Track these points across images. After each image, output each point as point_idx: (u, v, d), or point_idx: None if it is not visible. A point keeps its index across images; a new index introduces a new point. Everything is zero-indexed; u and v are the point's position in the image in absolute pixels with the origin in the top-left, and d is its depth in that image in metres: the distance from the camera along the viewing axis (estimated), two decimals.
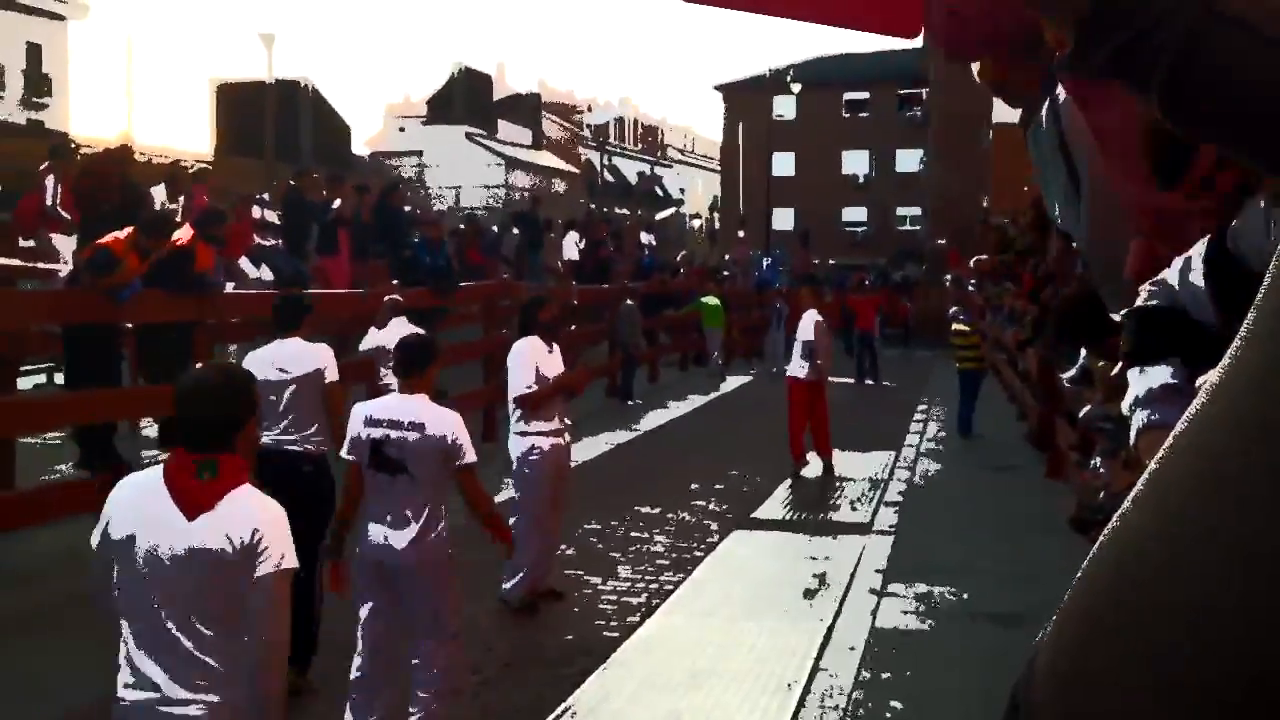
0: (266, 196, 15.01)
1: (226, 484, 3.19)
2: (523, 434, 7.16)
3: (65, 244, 11.30)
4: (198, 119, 56.55)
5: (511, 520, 7.09)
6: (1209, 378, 0.52)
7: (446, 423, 5.06)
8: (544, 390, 7.13)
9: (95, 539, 3.29)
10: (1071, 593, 0.52)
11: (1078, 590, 0.52)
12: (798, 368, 12.22)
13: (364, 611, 5.06)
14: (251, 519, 3.15)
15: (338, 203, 14.17)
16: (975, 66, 2.14)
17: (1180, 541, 0.46)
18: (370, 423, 5.04)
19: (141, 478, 3.33)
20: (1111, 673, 0.45)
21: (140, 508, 3.21)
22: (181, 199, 13.25)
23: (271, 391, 6.15)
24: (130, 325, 9.58)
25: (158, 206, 11.44)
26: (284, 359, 6.21)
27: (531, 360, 7.15)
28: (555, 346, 7.41)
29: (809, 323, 12.23)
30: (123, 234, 8.53)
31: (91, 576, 3.33)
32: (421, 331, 10.22)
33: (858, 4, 1.02)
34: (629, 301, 18.53)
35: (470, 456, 5.10)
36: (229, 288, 10.73)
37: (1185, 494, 0.47)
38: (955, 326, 15.59)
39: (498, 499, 7.16)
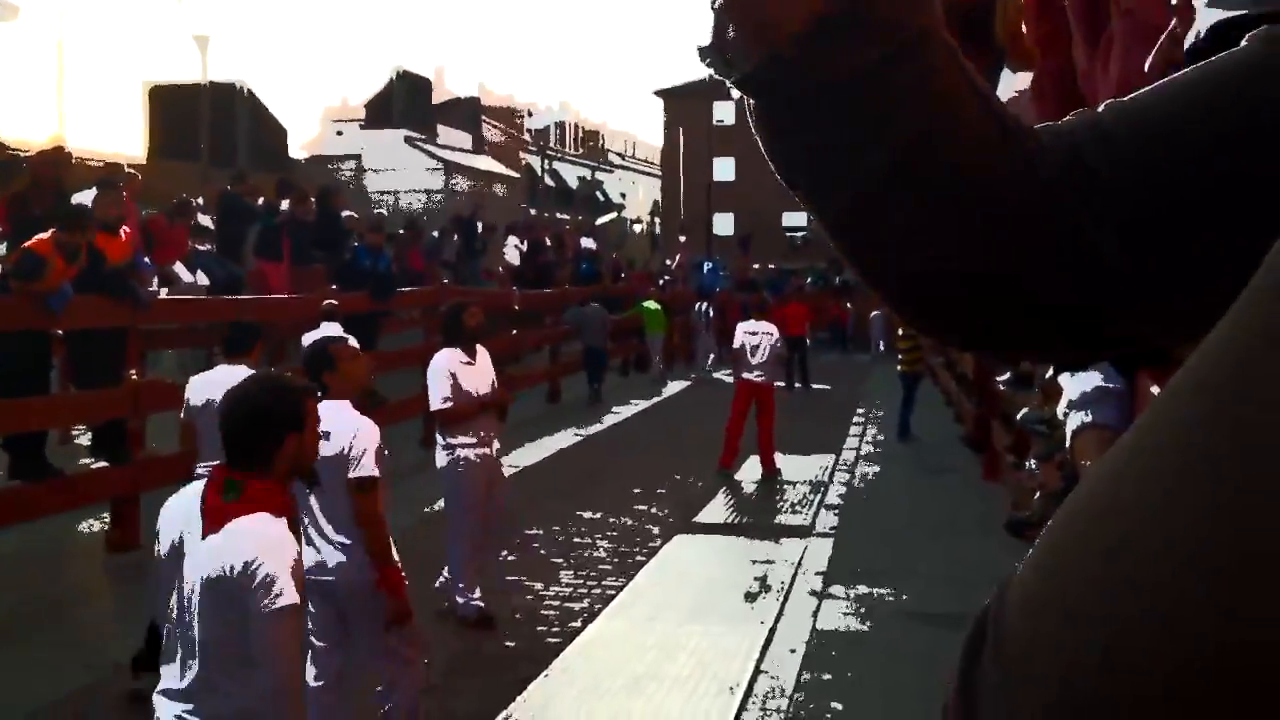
0: (201, 200, 14.80)
1: (244, 508, 3.11)
2: (446, 447, 7.05)
3: None
4: (130, 122, 55.46)
5: (450, 533, 7.03)
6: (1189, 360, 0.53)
7: (349, 431, 4.57)
8: (460, 408, 6.97)
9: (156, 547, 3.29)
10: (1047, 530, 0.52)
11: (1054, 525, 0.52)
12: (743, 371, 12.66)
13: (313, 640, 4.65)
14: (247, 549, 3.03)
15: (285, 204, 14.02)
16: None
17: (1152, 483, 0.47)
18: None
19: (191, 488, 3.29)
20: (1087, 604, 0.46)
21: (180, 519, 3.18)
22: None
23: (215, 418, 5.97)
24: (60, 331, 9.39)
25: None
26: (230, 386, 6.01)
27: (448, 373, 7.01)
28: (480, 355, 7.23)
29: (742, 333, 12.75)
30: (45, 235, 8.37)
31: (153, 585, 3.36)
32: (347, 336, 10.11)
33: None
34: (594, 304, 18.79)
35: (364, 470, 4.54)
36: (163, 293, 10.57)
37: (1160, 440, 0.48)
38: (901, 330, 15.81)
39: (437, 507, 7.13)
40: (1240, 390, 0.46)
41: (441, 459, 7.08)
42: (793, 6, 0.67)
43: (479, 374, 7.18)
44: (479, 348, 7.28)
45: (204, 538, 3.08)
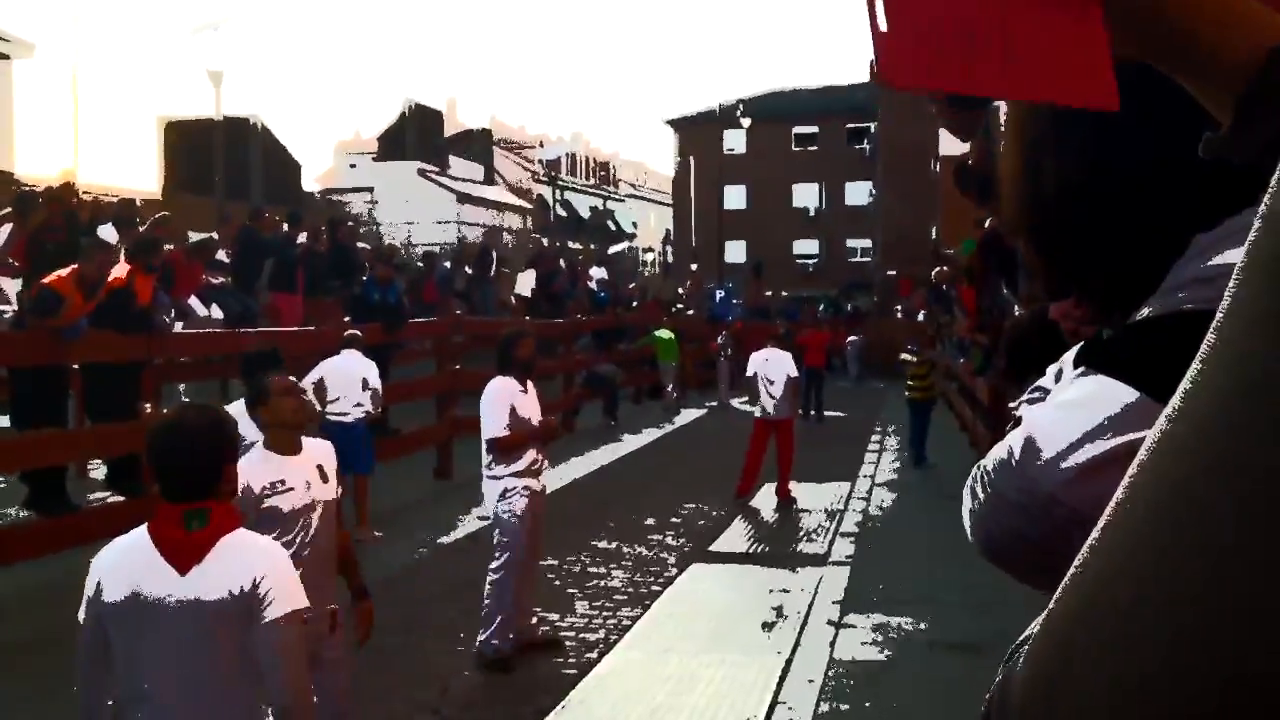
0: (216, 235, 14.87)
1: (218, 531, 3.01)
2: (496, 478, 6.90)
3: (10, 285, 11.14)
4: (145, 157, 55.92)
5: (492, 565, 6.85)
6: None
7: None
8: (518, 436, 6.87)
9: (82, 610, 3.05)
10: (1056, 600, 0.51)
11: (1061, 596, 0.51)
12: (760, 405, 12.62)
13: None
14: (250, 566, 2.97)
15: (303, 237, 14.12)
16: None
17: (1155, 547, 0.46)
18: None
19: (126, 540, 3.09)
20: (1096, 682, 0.45)
21: (128, 569, 2.98)
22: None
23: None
24: (76, 365, 9.44)
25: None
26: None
27: (506, 401, 6.89)
28: (530, 385, 7.16)
29: (756, 362, 12.77)
30: (65, 272, 8.43)
31: (79, 647, 3.08)
32: (372, 364, 10.15)
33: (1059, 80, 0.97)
34: (612, 366, 19.48)
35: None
36: (178, 327, 10.61)
37: (1158, 499, 0.47)
38: (903, 357, 15.77)
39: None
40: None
41: (492, 492, 6.90)
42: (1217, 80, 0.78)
43: (531, 403, 7.10)
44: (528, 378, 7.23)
45: (184, 574, 2.94)
